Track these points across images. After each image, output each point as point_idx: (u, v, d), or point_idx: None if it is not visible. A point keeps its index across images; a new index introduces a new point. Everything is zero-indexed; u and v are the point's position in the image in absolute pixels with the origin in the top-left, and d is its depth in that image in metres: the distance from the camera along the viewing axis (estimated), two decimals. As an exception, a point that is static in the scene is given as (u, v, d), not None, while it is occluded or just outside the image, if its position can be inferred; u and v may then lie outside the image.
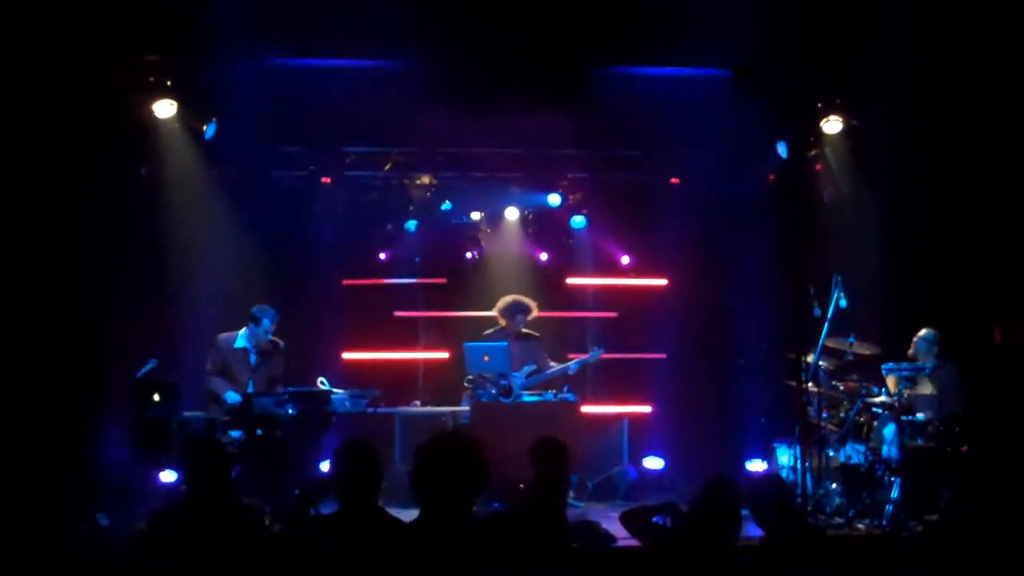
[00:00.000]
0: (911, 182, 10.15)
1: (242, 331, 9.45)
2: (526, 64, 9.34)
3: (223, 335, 9.52)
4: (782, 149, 10.81)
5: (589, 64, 9.73)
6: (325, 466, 9.75)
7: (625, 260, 12.15)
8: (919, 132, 9.84)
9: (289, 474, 8.82)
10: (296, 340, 10.00)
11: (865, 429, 9.27)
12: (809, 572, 4.79)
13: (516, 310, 10.48)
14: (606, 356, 10.92)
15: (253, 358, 9.44)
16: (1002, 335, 10.25)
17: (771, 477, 7.51)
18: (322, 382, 9.34)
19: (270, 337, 9.43)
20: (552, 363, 10.33)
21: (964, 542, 3.21)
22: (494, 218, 12.13)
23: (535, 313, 10.58)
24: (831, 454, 9.21)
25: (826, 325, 9.02)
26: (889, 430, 9.00)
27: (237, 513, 5.33)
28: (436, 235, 11.93)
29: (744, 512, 5.19)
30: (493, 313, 10.63)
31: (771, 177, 11.37)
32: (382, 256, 11.79)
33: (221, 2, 8.57)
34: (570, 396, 9.99)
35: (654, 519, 5.64)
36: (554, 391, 10.07)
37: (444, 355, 11.67)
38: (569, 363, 10.38)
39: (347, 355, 11.46)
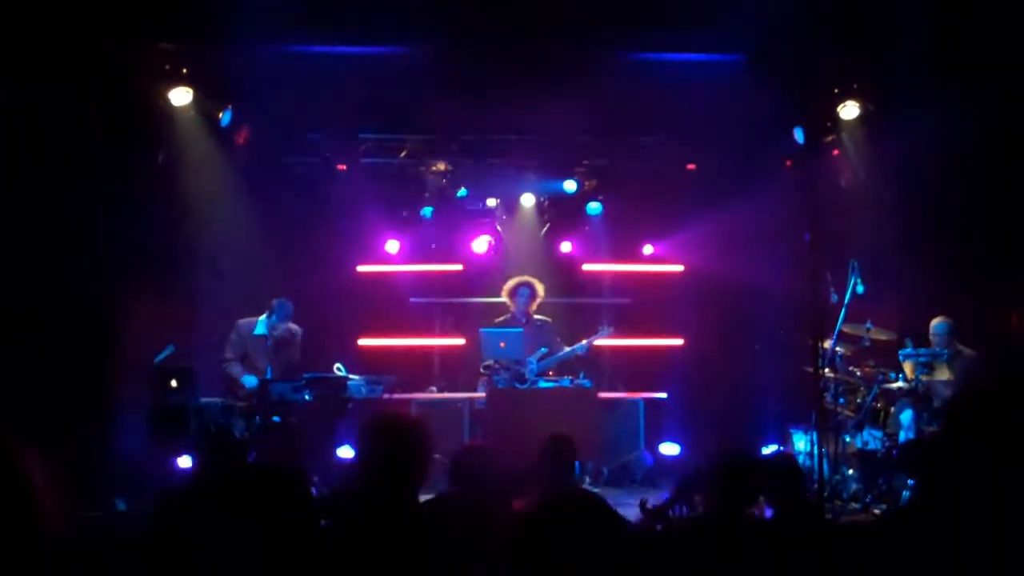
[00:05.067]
0: (928, 168, 10.08)
1: (261, 318, 9.54)
2: (542, 50, 9.31)
3: (243, 320, 9.59)
4: (799, 135, 10.76)
5: (605, 50, 9.70)
6: (341, 452, 9.82)
7: (649, 250, 12.16)
8: (937, 117, 9.77)
9: (305, 460, 8.87)
10: (312, 326, 10.04)
11: (882, 415, 9.26)
12: (816, 553, 4.79)
13: (519, 285, 10.56)
14: (623, 342, 10.94)
15: (271, 344, 9.53)
16: (1019, 320, 10.20)
17: (783, 456, 7.52)
18: (338, 368, 9.37)
19: (284, 326, 9.54)
20: (565, 347, 10.39)
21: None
22: (510, 205, 12.13)
23: (541, 293, 10.63)
24: (848, 440, 9.19)
25: (843, 311, 9.00)
26: (906, 416, 8.98)
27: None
28: (452, 222, 11.94)
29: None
30: (503, 298, 10.69)
31: (788, 163, 11.34)
32: (392, 249, 11.75)
33: (236, -11, 8.57)
34: (586, 382, 10.01)
35: (669, 512, 5.62)
36: (570, 377, 10.09)
37: (460, 341, 11.69)
38: (579, 344, 10.40)
39: (363, 341, 11.49)
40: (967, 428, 3.23)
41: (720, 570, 4.47)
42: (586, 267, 12.26)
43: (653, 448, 10.89)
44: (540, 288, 10.67)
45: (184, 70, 9.88)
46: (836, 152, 11.07)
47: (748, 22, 8.80)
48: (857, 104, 10.50)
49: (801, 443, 9.59)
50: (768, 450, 10.38)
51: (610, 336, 10.80)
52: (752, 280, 10.92)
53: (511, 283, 10.71)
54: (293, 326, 9.68)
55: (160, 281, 9.92)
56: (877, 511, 8.51)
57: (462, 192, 11.73)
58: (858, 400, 9.31)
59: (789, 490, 5.30)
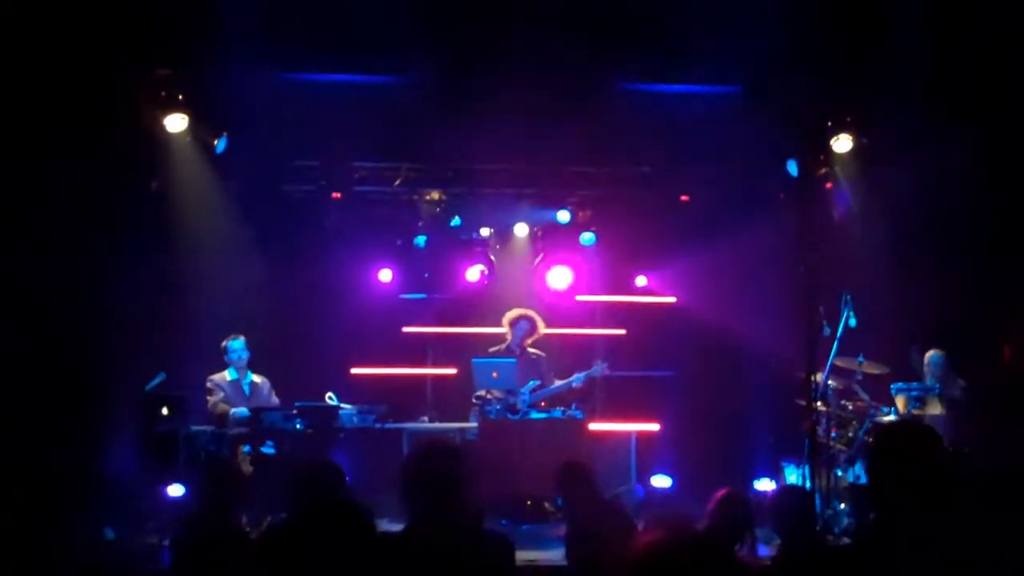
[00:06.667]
0: (921, 200, 10.11)
1: (228, 369, 9.58)
2: (538, 80, 9.34)
3: (214, 376, 9.60)
4: (792, 167, 10.79)
5: (599, 81, 9.73)
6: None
7: (642, 281, 12.16)
8: (929, 151, 9.81)
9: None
10: (304, 354, 10.01)
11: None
12: None
13: (520, 318, 10.55)
14: (614, 373, 10.89)
15: (247, 390, 9.56)
16: (1011, 354, 10.21)
17: (794, 488, 7.50)
18: (330, 397, 9.35)
19: (244, 359, 9.56)
20: (557, 380, 10.36)
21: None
22: (503, 234, 12.13)
23: (540, 329, 10.60)
24: (840, 474, 9.16)
25: (835, 344, 8.99)
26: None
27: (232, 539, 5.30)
28: (445, 251, 11.93)
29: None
30: (503, 327, 10.66)
31: (781, 195, 11.36)
32: (385, 278, 11.72)
33: (233, 16, 8.58)
34: (578, 413, 9.98)
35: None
36: (562, 408, 10.06)
37: (452, 371, 11.65)
38: (572, 377, 10.37)
39: (355, 370, 11.43)
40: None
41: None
42: (579, 298, 12.24)
43: (645, 480, 10.84)
44: (540, 325, 10.65)
45: (180, 96, 9.88)
46: (829, 185, 11.10)
47: (743, 55, 8.85)
48: (850, 137, 10.52)
49: (793, 476, 9.57)
50: (761, 484, 10.36)
51: (604, 373, 10.72)
52: (745, 312, 10.91)
53: (513, 313, 10.68)
54: (265, 381, 9.72)
55: (152, 308, 9.89)
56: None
57: (456, 221, 11.74)
58: (850, 434, 9.29)
59: (799, 526, 5.25)
